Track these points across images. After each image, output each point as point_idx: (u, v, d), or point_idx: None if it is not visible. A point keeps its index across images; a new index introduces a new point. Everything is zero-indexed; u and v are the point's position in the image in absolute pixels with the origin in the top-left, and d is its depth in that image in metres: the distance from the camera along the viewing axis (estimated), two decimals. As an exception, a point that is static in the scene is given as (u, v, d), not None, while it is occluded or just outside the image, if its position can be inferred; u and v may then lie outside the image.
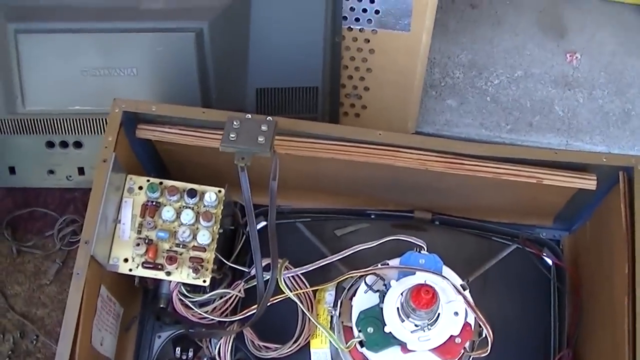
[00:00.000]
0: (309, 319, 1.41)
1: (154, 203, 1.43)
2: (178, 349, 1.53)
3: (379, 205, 1.64)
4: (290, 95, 1.70)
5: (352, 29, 1.71)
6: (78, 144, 1.74)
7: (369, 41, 1.73)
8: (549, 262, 1.58)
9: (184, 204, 1.44)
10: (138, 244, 1.40)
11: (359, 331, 1.28)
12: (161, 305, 1.48)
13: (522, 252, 1.57)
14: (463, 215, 1.63)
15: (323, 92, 1.72)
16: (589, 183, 1.42)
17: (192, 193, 1.43)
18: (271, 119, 1.33)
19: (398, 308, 1.25)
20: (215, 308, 1.45)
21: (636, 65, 2.05)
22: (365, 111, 1.85)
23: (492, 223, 1.63)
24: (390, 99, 1.82)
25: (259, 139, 1.29)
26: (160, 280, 1.46)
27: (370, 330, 1.27)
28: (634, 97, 2.02)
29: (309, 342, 1.42)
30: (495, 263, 1.54)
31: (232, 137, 1.29)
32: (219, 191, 1.44)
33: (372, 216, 1.63)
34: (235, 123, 1.31)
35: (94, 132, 1.70)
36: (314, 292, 1.45)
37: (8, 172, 1.79)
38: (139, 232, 1.42)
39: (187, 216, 1.42)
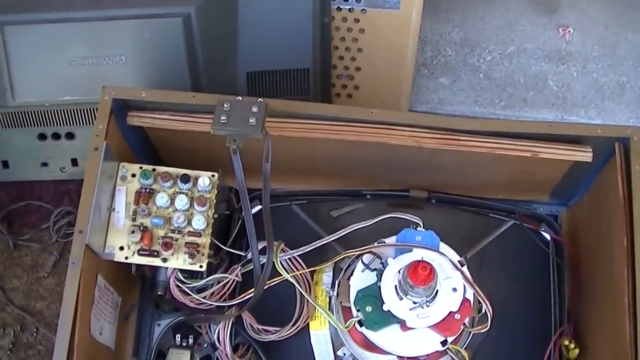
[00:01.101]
0: (308, 301, 1.41)
1: (147, 190, 1.42)
2: (178, 336, 1.53)
3: (374, 186, 1.63)
4: (282, 78, 1.70)
5: (341, 9, 1.70)
6: (70, 135, 1.73)
7: (358, 21, 1.72)
8: (547, 237, 1.57)
9: (178, 190, 1.43)
10: (133, 232, 1.39)
11: (358, 310, 1.27)
12: (159, 293, 1.48)
13: (520, 228, 1.56)
14: (459, 193, 1.62)
15: (314, 73, 1.71)
16: (585, 155, 1.41)
17: (185, 178, 1.42)
18: (262, 100, 1.32)
19: (396, 286, 1.24)
20: (213, 293, 1.44)
21: (629, 37, 2.04)
22: (357, 92, 1.84)
23: (489, 200, 1.62)
24: (383, 79, 1.81)
25: (250, 121, 1.28)
26: (157, 267, 1.45)
27: (368, 309, 1.26)
28: (628, 69, 2.01)
29: (307, 324, 1.42)
30: (493, 239, 1.54)
31: (223, 120, 1.29)
32: (212, 175, 1.43)
33: (368, 196, 1.62)
34: (225, 105, 1.30)
35: (86, 123, 1.69)
36: (312, 274, 1.44)
37: (1, 167, 1.79)
38: (134, 219, 1.41)
39: (181, 202, 1.41)
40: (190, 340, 1.52)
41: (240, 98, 1.33)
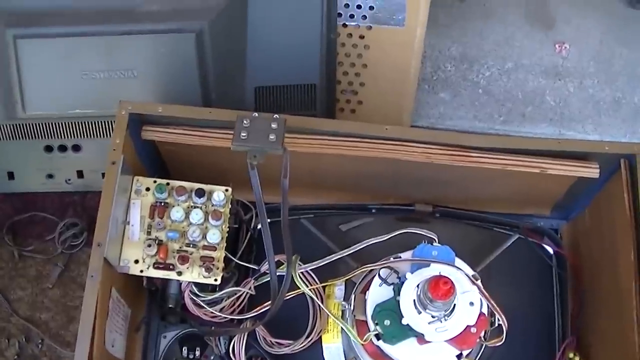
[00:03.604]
0: (320, 314, 1.43)
1: (162, 204, 1.44)
2: (185, 349, 1.54)
3: (379, 199, 1.65)
4: (289, 93, 1.71)
5: (347, 25, 1.72)
6: (77, 148, 1.74)
7: (363, 37, 1.74)
8: (550, 250, 1.60)
9: (192, 204, 1.44)
10: (149, 245, 1.40)
11: (376, 324, 1.29)
12: (170, 305, 1.48)
13: (524, 242, 1.58)
14: (462, 207, 1.64)
15: (320, 89, 1.73)
16: (592, 171, 1.44)
17: (200, 193, 1.44)
18: (279, 116, 1.34)
19: (414, 300, 1.26)
20: (225, 306, 1.46)
21: (624, 53, 2.08)
22: (361, 107, 1.86)
23: (491, 214, 1.64)
24: (386, 94, 1.83)
25: (270, 137, 1.30)
26: (168, 280, 1.46)
27: (387, 322, 1.28)
28: (624, 85, 2.04)
29: (320, 337, 1.43)
30: (499, 253, 1.55)
31: (244, 136, 1.30)
32: (226, 190, 1.45)
33: (373, 210, 1.64)
34: (245, 122, 1.31)
35: (93, 136, 1.70)
36: (323, 287, 1.46)
37: (7, 178, 1.80)
38: (149, 233, 1.42)
39: (197, 216, 1.42)
40: (197, 353, 1.53)
41: (257, 114, 1.34)
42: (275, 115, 1.34)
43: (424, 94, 2.01)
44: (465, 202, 1.64)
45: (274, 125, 1.31)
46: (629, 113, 2.02)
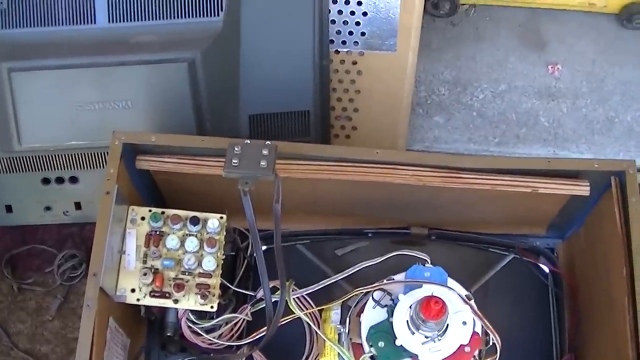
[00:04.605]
0: (317, 338, 1.43)
1: (157, 232, 1.45)
2: (185, 377, 1.54)
3: (374, 223, 1.65)
4: (283, 120, 1.73)
5: (339, 51, 1.74)
6: (74, 179, 1.75)
7: (356, 63, 1.76)
8: (546, 269, 1.61)
9: (187, 232, 1.45)
10: (145, 274, 1.41)
11: (370, 346, 1.29)
12: (168, 334, 1.49)
13: (519, 262, 1.60)
14: (458, 229, 1.65)
15: (314, 115, 1.74)
16: (583, 189, 1.44)
17: (194, 220, 1.45)
18: (270, 143, 1.35)
19: (407, 321, 1.27)
20: (223, 333, 1.46)
21: (616, 72, 2.09)
22: (355, 132, 1.87)
23: (487, 234, 1.65)
24: (380, 119, 1.84)
25: (262, 163, 1.31)
26: (166, 309, 1.47)
27: (381, 344, 1.28)
28: (616, 104, 2.05)
29: (318, 361, 1.44)
30: (494, 274, 1.56)
31: (235, 163, 1.31)
32: (221, 217, 1.46)
33: (370, 234, 1.65)
34: (236, 149, 1.32)
35: (90, 167, 1.72)
36: (320, 311, 1.47)
37: (5, 211, 1.81)
38: (144, 261, 1.43)
39: (192, 244, 1.43)
40: (197, 381, 1.54)
41: (249, 141, 1.35)
42: (267, 142, 1.35)
43: (418, 117, 2.03)
44: (461, 224, 1.65)
45: (265, 152, 1.32)
46: (622, 132, 2.02)
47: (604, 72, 2.09)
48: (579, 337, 1.55)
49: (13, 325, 1.80)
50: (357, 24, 1.69)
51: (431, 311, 1.21)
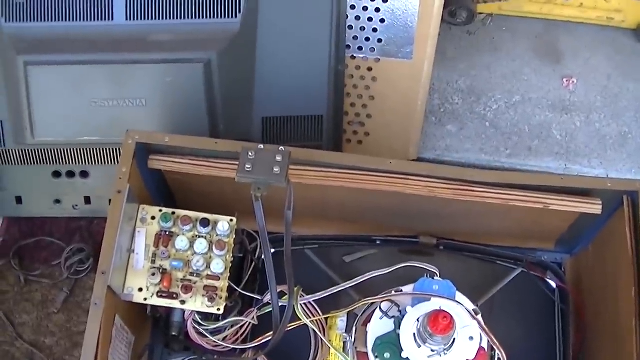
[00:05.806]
0: (322, 345, 1.43)
1: (167, 233, 1.45)
2: (188, 376, 1.54)
3: (383, 231, 1.65)
4: (296, 124, 1.72)
5: (355, 57, 1.74)
6: (84, 174, 1.76)
7: (371, 69, 1.76)
8: (553, 285, 1.60)
9: (197, 234, 1.45)
10: (153, 274, 1.41)
11: (376, 357, 1.30)
12: (173, 333, 1.49)
13: (527, 276, 1.59)
14: (466, 240, 1.65)
15: (327, 120, 1.74)
16: (594, 208, 1.44)
17: (204, 222, 1.45)
18: (284, 148, 1.35)
19: (414, 334, 1.27)
20: (228, 335, 1.47)
21: (631, 88, 2.09)
22: (368, 138, 1.87)
23: (495, 247, 1.65)
24: (393, 126, 1.84)
25: (275, 169, 1.31)
26: (172, 308, 1.47)
27: (387, 355, 1.29)
28: (630, 120, 2.05)
29: (322, 368, 1.44)
30: (502, 287, 1.56)
31: (248, 168, 1.31)
32: (231, 220, 1.46)
33: (378, 242, 1.65)
34: (250, 154, 1.32)
35: (101, 162, 1.72)
36: (326, 318, 1.47)
37: (15, 202, 1.81)
38: (153, 261, 1.43)
39: (201, 245, 1.43)
40: (200, 380, 1.54)
41: (262, 146, 1.35)
42: (280, 148, 1.35)
43: (431, 126, 2.02)
44: (469, 235, 1.65)
45: (278, 158, 1.32)
46: (635, 148, 2.02)
47: (619, 88, 2.09)
48: (584, 355, 1.54)
49: (18, 316, 1.80)
50: (375, 30, 1.69)
51: (439, 326, 1.21)
